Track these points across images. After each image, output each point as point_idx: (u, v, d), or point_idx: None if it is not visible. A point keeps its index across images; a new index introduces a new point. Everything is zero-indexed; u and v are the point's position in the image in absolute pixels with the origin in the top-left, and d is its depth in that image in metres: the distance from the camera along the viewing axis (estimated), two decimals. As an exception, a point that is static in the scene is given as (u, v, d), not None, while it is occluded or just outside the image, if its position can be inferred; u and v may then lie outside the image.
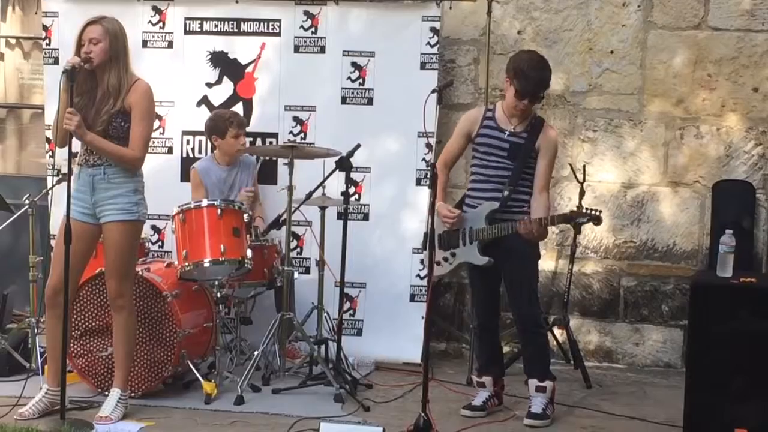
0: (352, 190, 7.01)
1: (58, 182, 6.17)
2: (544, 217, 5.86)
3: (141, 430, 5.57)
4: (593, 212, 5.76)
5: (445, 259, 6.08)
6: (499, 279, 6.07)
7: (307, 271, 7.43)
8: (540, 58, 5.97)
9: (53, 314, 5.68)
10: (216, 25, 7.66)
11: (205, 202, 6.47)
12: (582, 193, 7.05)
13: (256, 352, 6.44)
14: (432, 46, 7.37)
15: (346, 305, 7.24)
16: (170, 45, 7.69)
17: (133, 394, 5.92)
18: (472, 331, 6.78)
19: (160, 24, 7.69)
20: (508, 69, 5.93)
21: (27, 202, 6.65)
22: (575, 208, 6.03)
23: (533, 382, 6.00)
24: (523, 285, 6.01)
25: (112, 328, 5.85)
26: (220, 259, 6.29)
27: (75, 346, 6.20)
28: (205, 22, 7.66)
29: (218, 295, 6.45)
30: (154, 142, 7.57)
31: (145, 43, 7.66)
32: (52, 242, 7.47)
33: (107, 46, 5.58)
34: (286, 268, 6.61)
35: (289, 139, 7.44)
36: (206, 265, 6.31)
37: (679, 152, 7.52)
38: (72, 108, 5.46)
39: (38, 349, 6.46)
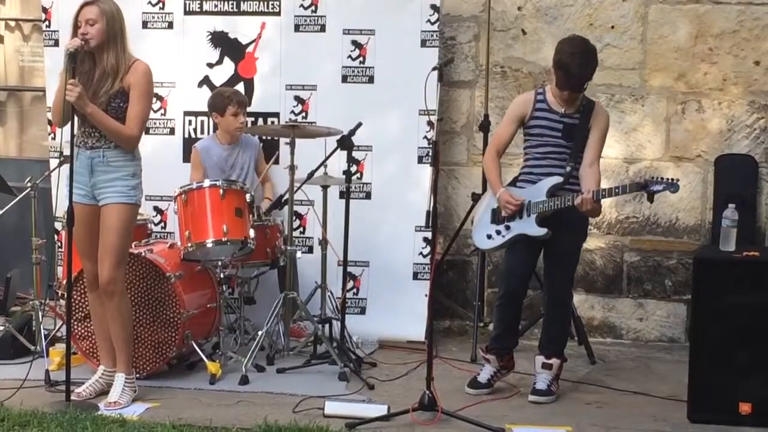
0: (353, 168, 6.99)
1: (60, 165, 6.15)
2: (615, 187, 5.83)
3: (146, 411, 5.58)
4: (670, 180, 5.69)
5: (498, 233, 6.01)
6: (540, 251, 6.04)
7: (310, 250, 7.43)
8: (583, 51, 5.86)
9: (94, 297, 5.81)
10: (216, 5, 7.63)
11: (207, 183, 6.46)
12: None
13: (260, 332, 6.46)
14: (432, 24, 7.34)
15: (350, 284, 7.23)
16: (170, 26, 7.67)
17: (138, 376, 5.93)
18: (483, 306, 6.62)
19: (160, 5, 7.66)
20: (554, 58, 5.88)
21: (29, 184, 6.66)
22: (651, 177, 5.90)
23: (540, 359, 5.99)
24: (566, 257, 6.01)
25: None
26: (223, 239, 6.29)
27: (78, 329, 6.21)
28: (205, 2, 7.63)
29: (221, 275, 6.47)
30: (156, 123, 7.60)
31: (145, 24, 7.64)
32: (56, 224, 7.49)
33: (104, 27, 5.54)
34: (288, 247, 6.62)
35: (290, 119, 7.45)
36: (209, 245, 6.32)
37: (681, 127, 7.50)
38: (74, 79, 5.44)
39: (42, 331, 6.47)
